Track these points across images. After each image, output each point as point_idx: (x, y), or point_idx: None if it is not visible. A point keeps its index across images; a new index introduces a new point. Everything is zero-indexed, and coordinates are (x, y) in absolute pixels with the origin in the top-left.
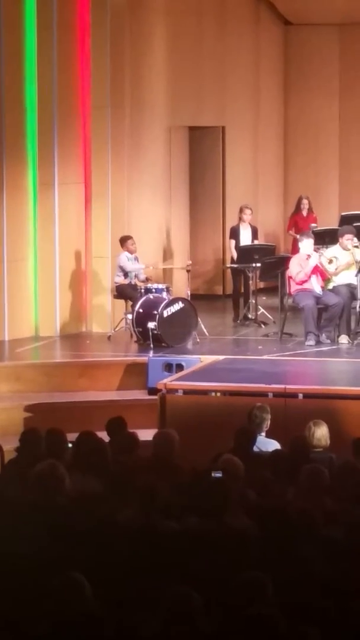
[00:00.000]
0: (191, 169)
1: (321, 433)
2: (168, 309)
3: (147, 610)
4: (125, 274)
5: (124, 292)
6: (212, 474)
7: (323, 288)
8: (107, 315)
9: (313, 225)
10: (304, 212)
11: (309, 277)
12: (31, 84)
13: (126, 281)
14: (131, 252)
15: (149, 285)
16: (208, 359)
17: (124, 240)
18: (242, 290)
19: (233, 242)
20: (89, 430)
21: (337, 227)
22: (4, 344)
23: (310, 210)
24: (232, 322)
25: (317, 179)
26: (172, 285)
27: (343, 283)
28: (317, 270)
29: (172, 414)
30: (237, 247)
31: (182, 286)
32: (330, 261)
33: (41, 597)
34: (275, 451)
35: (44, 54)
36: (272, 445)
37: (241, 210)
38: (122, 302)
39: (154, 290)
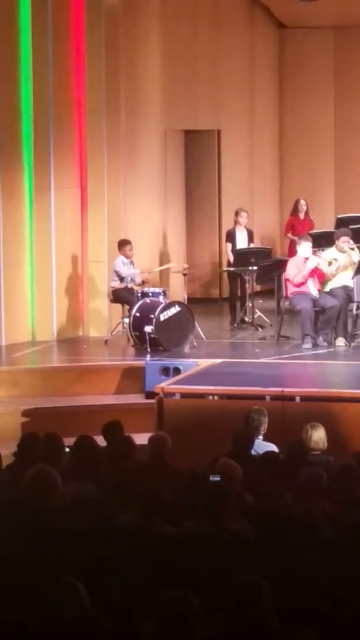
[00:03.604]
0: (187, 172)
1: (318, 436)
2: (165, 312)
3: (144, 614)
4: (122, 279)
5: (120, 297)
6: (210, 478)
7: (320, 291)
8: (104, 320)
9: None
10: (301, 215)
11: (307, 279)
12: (26, 89)
13: (122, 285)
14: (127, 257)
15: (146, 289)
16: (205, 362)
17: (122, 244)
18: (239, 294)
19: (229, 245)
20: (86, 435)
21: (333, 230)
22: (0, 348)
23: (306, 213)
24: (229, 325)
25: (313, 181)
26: (168, 289)
27: (339, 285)
28: (315, 272)
29: (169, 417)
30: (234, 250)
31: (178, 290)
32: (330, 263)
33: (36, 602)
34: (271, 453)
35: (39, 58)
36: (270, 448)
37: (237, 214)
38: (118, 306)
39: (150, 294)
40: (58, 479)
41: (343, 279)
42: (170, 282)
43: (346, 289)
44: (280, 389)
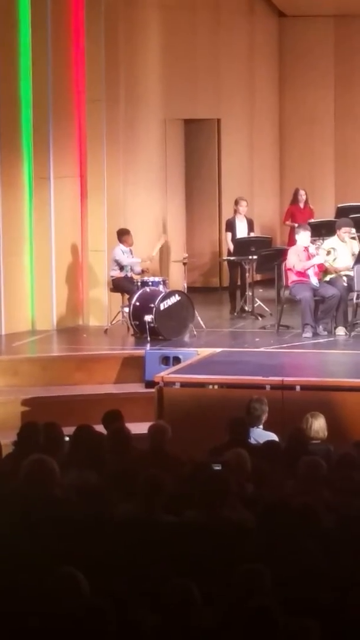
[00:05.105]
0: (187, 161)
1: (319, 425)
2: (165, 301)
3: (146, 603)
4: (121, 267)
5: (120, 286)
6: (213, 467)
7: (320, 280)
8: (103, 309)
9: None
10: (301, 204)
11: (306, 270)
12: (26, 79)
13: (122, 274)
14: (127, 246)
15: (146, 278)
16: (205, 351)
17: (122, 234)
18: (239, 283)
19: (229, 234)
20: (86, 424)
21: (333, 219)
22: (0, 338)
23: (306, 202)
24: (229, 314)
25: (313, 170)
26: (168, 278)
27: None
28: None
29: (169, 406)
30: (234, 239)
31: (178, 279)
32: (329, 252)
33: (36, 591)
34: (272, 442)
35: (39, 48)
36: (270, 437)
37: (237, 203)
38: (118, 295)
39: (150, 283)
40: (55, 467)
41: (344, 267)
42: (170, 271)
43: (346, 278)
44: (280, 378)
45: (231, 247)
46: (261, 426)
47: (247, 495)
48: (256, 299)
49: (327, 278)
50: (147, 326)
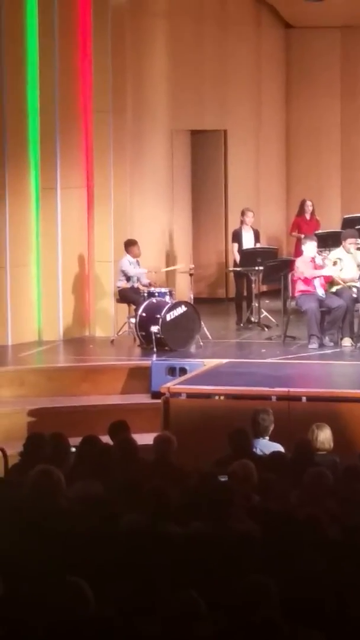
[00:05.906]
0: (193, 172)
1: (324, 436)
2: (171, 312)
3: (151, 615)
4: (128, 278)
5: (127, 296)
6: (219, 478)
7: (326, 291)
8: (110, 319)
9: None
10: (307, 215)
11: (313, 278)
12: (33, 89)
13: (129, 285)
14: (134, 257)
15: (152, 289)
16: (211, 362)
17: (130, 244)
18: (245, 294)
19: (235, 245)
20: (92, 435)
21: (339, 230)
22: (7, 348)
23: (312, 213)
24: (235, 325)
25: (320, 181)
26: (175, 289)
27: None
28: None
29: (175, 417)
30: (240, 250)
31: (185, 290)
32: (335, 263)
33: (42, 602)
34: (278, 453)
35: (46, 59)
36: (276, 448)
37: (243, 214)
38: (125, 306)
39: (157, 294)
40: (61, 478)
41: (350, 278)
42: (177, 282)
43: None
44: (286, 389)
45: (237, 258)
46: (267, 437)
47: (253, 506)
48: (262, 310)
49: (334, 289)
50: (154, 337)
